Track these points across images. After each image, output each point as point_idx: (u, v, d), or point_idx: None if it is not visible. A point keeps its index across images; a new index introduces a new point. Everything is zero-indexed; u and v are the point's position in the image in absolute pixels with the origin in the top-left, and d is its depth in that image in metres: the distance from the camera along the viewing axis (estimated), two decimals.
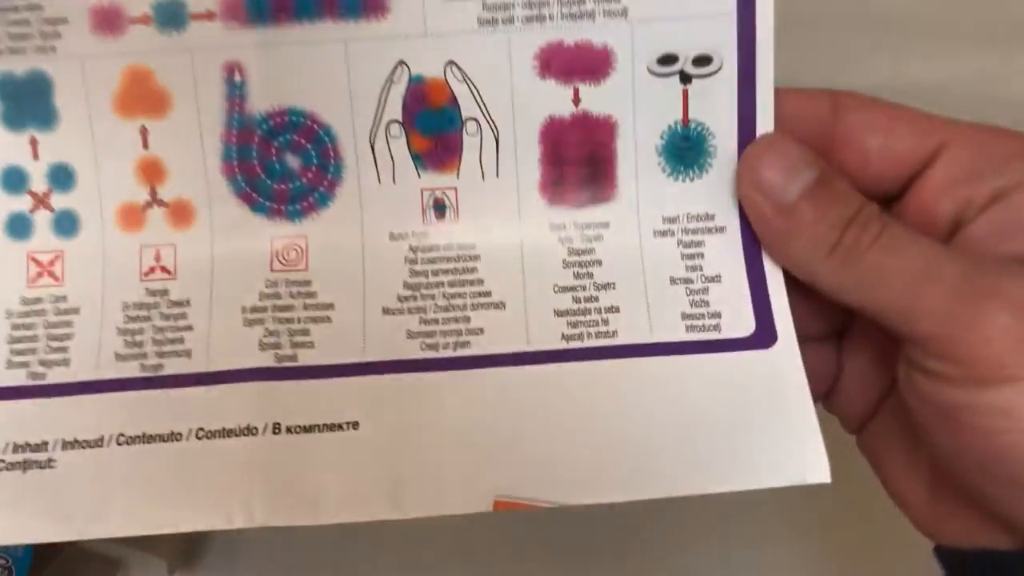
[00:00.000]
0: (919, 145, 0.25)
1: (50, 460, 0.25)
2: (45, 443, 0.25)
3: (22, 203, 0.26)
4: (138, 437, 0.25)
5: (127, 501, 0.24)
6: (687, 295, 0.26)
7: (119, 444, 0.25)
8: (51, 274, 0.26)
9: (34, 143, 0.26)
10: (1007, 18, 0.39)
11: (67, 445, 0.25)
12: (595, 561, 0.39)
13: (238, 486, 0.24)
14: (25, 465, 0.25)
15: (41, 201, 0.26)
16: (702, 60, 0.25)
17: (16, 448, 0.25)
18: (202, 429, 0.25)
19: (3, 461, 0.25)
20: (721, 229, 0.26)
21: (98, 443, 0.25)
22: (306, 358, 0.25)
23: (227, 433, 0.25)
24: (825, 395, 0.28)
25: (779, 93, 0.25)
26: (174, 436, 0.25)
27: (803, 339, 0.26)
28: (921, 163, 0.25)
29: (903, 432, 0.26)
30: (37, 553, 0.36)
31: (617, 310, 0.26)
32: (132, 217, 0.26)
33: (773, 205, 0.24)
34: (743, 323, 0.25)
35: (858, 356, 0.27)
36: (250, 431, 0.25)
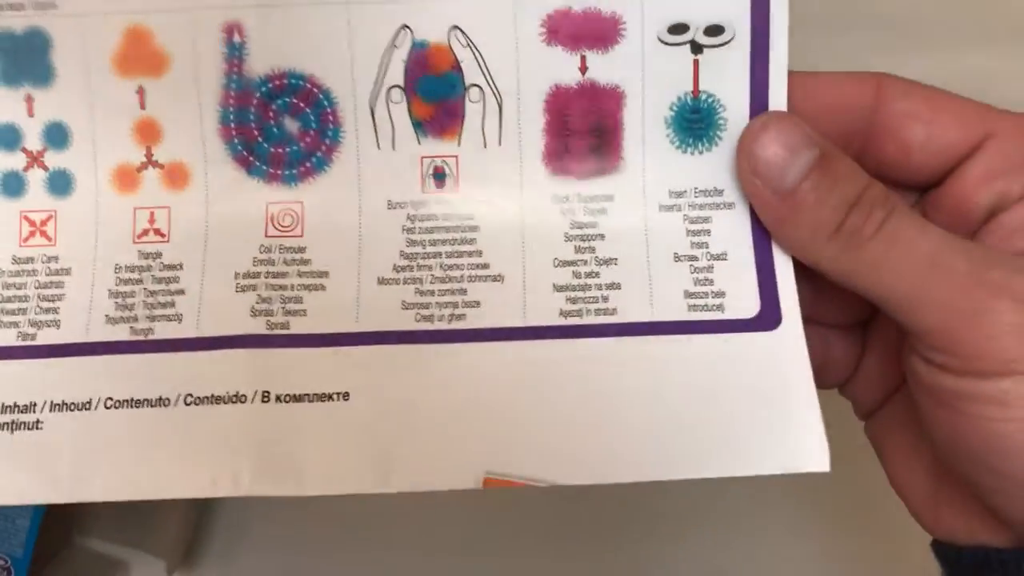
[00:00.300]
0: (963, 136, 0.24)
1: (38, 422, 0.24)
2: (33, 404, 0.25)
3: (16, 161, 0.26)
4: (126, 401, 0.24)
5: (114, 466, 0.24)
6: (691, 273, 0.25)
7: (107, 408, 0.24)
8: (43, 234, 0.26)
9: (30, 100, 0.26)
10: (1007, 18, 0.39)
11: (55, 407, 0.24)
12: (595, 549, 0.39)
13: (226, 453, 0.24)
14: (13, 426, 0.24)
15: (35, 159, 0.26)
16: (714, 30, 0.25)
17: (4, 408, 0.24)
18: (191, 395, 0.24)
19: None
20: (730, 205, 0.25)
21: (86, 406, 0.24)
22: (298, 326, 0.25)
23: (216, 400, 0.24)
24: (845, 382, 0.27)
25: (821, 77, 0.25)
26: (162, 401, 0.24)
27: (829, 326, 0.26)
28: (963, 154, 0.24)
29: (909, 421, 0.25)
30: (36, 553, 0.35)
31: (618, 287, 0.25)
32: (127, 178, 0.26)
33: (772, 189, 0.23)
34: (747, 304, 0.24)
35: (878, 343, 0.26)
36: (239, 398, 0.24)
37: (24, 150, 0.26)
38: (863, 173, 0.23)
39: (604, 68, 0.25)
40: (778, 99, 0.25)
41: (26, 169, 0.26)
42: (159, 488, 0.24)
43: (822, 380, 0.26)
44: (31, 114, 0.26)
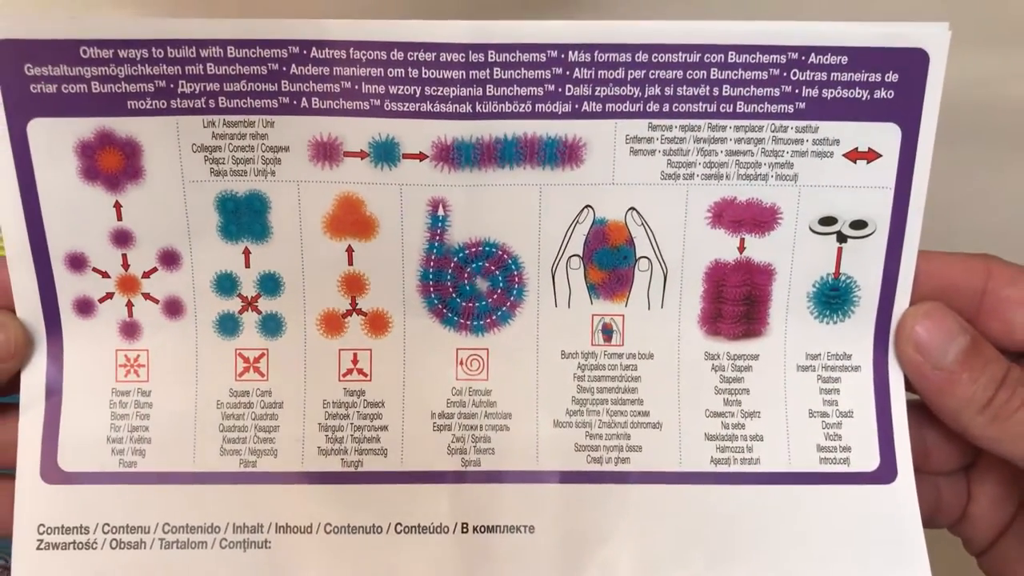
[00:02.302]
0: None
1: (266, 542, 0.28)
2: (261, 525, 0.29)
3: (232, 305, 0.29)
4: (344, 527, 0.29)
5: None
6: (823, 428, 0.29)
7: (327, 532, 0.29)
8: (257, 370, 0.29)
9: (247, 254, 0.29)
10: (1007, 18, 0.39)
11: (280, 529, 0.29)
12: None
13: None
14: (245, 545, 0.28)
15: (249, 304, 0.29)
16: (859, 224, 0.28)
17: (236, 529, 0.29)
18: (400, 524, 0.29)
19: (226, 540, 0.28)
20: (856, 368, 0.29)
21: (308, 530, 0.29)
22: (488, 463, 0.29)
23: (422, 529, 0.29)
24: (956, 522, 0.31)
25: (935, 259, 0.29)
26: (375, 528, 0.29)
27: (937, 473, 0.30)
28: None
29: None
30: None
31: (761, 439, 0.29)
32: (333, 323, 0.29)
33: (932, 365, 0.28)
34: (870, 458, 0.29)
35: (986, 486, 0.31)
36: (442, 529, 0.29)
37: (240, 295, 0.29)
38: (1004, 358, 0.28)
39: (760, 249, 0.29)
40: (906, 282, 0.29)
41: (241, 312, 0.29)
42: None
43: (935, 522, 0.31)
44: (247, 266, 0.29)
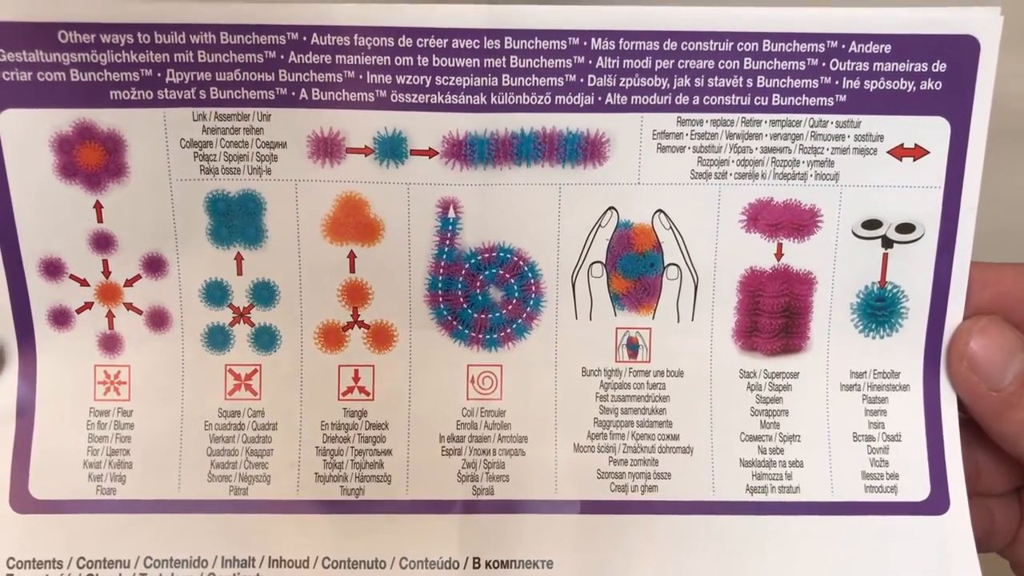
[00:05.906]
0: None
1: None
2: (252, 559, 0.26)
3: (222, 316, 0.27)
4: (343, 562, 0.26)
5: None
6: (868, 453, 0.27)
7: (324, 567, 0.26)
8: (248, 387, 0.27)
9: (239, 260, 0.26)
10: (1007, 18, 0.39)
11: (273, 563, 0.26)
12: None
13: None
14: None
15: (241, 315, 0.27)
16: (906, 228, 0.26)
17: (225, 562, 0.26)
18: (405, 558, 0.26)
19: (214, 574, 0.26)
20: (905, 387, 0.27)
21: (304, 564, 0.26)
22: (502, 492, 0.26)
23: (430, 564, 0.26)
24: (1007, 546, 0.29)
25: (993, 268, 0.26)
26: (378, 563, 0.26)
27: (987, 495, 0.28)
28: None
29: None
30: None
31: (801, 464, 0.27)
32: (332, 337, 0.27)
33: (988, 386, 0.25)
34: (919, 487, 0.26)
35: None
36: (452, 564, 0.26)
37: (231, 306, 0.27)
38: None
39: (798, 255, 0.26)
40: (959, 292, 0.26)
41: (232, 324, 0.27)
42: None
43: (987, 546, 0.28)
44: (240, 273, 0.26)
